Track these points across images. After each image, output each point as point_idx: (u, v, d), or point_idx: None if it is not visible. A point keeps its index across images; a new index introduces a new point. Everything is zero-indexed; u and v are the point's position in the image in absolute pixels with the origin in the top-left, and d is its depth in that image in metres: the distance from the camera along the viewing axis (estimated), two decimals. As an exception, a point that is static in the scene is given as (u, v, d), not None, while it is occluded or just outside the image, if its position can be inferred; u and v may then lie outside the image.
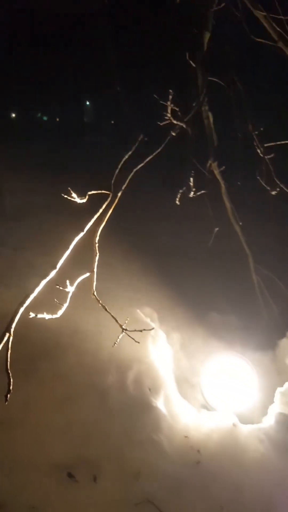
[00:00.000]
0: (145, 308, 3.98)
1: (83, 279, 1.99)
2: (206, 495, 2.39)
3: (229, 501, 2.37)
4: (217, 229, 3.55)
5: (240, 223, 3.74)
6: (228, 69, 3.10)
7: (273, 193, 2.76)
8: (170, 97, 1.96)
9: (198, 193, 2.38)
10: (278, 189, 2.73)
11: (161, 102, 2.01)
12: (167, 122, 2.12)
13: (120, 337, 1.88)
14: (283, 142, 2.55)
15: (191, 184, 2.26)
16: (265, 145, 2.76)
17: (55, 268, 1.62)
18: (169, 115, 2.06)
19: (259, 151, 2.76)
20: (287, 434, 2.63)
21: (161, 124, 2.12)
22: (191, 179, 2.23)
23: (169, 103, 1.98)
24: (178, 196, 2.21)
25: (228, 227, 3.97)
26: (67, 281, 1.69)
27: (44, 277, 1.58)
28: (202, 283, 5.29)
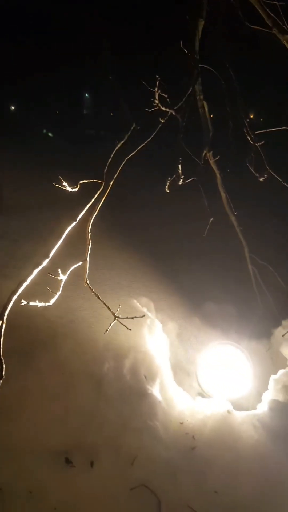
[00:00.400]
0: (142, 298, 4.01)
1: (81, 268, 2.01)
2: (201, 480, 2.43)
3: (223, 486, 2.41)
4: (212, 219, 3.55)
5: (235, 213, 3.75)
6: (222, 57, 3.08)
7: (261, 179, 2.76)
8: (157, 82, 1.95)
9: (188, 181, 2.38)
10: (265, 175, 2.73)
11: (149, 88, 2.00)
12: (155, 108, 2.11)
13: (111, 325, 1.90)
14: (273, 129, 2.55)
15: (180, 171, 2.26)
16: (256, 132, 2.75)
17: (48, 257, 1.63)
18: (157, 101, 2.05)
19: (249, 138, 2.75)
20: (281, 421, 2.66)
21: (149, 110, 2.11)
22: (180, 166, 2.23)
23: (156, 89, 1.97)
24: (167, 183, 2.21)
25: (224, 217, 3.98)
26: (59, 270, 1.70)
27: (38, 266, 1.59)
28: (199, 273, 5.32)
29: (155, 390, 2.91)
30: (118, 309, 1.93)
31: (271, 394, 2.93)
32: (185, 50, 2.88)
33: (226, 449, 2.58)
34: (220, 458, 2.54)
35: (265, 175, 2.74)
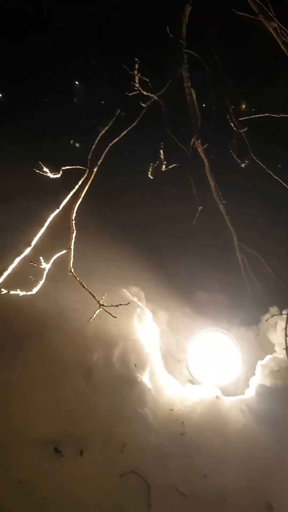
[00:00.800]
0: (132, 287, 4.01)
1: (72, 260, 2.00)
2: (190, 464, 2.46)
3: (212, 470, 2.44)
4: (200, 208, 3.55)
5: (224, 202, 3.75)
6: (208, 43, 3.06)
7: (243, 165, 2.76)
8: (137, 65, 1.92)
9: (171, 166, 2.37)
10: (246, 161, 2.73)
11: (130, 72, 1.98)
12: (136, 92, 2.09)
13: (96, 313, 1.89)
14: (257, 116, 2.53)
15: (162, 157, 2.25)
16: (240, 119, 2.74)
17: (29, 245, 1.62)
18: (137, 85, 2.03)
19: (232, 124, 2.74)
20: (268, 405, 2.69)
21: (129, 94, 2.08)
22: (161, 151, 2.21)
23: (136, 72, 1.95)
24: (150, 170, 2.19)
25: (214, 205, 3.98)
26: (41, 258, 1.69)
27: (19, 255, 1.58)
28: (189, 262, 5.34)
29: (144, 378, 2.92)
30: (103, 297, 1.93)
31: (258, 379, 2.96)
32: (171, 35, 2.86)
33: (214, 434, 2.60)
34: (209, 443, 2.57)
35: (246, 161, 2.73)
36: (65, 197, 2.01)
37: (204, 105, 3.28)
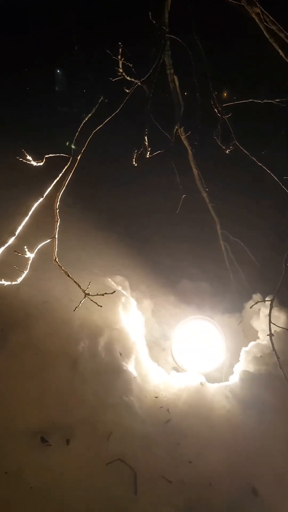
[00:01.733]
0: (116, 276, 4.00)
1: (53, 249, 1.97)
2: (175, 451, 2.49)
3: (197, 456, 2.48)
4: (184, 196, 3.54)
5: (207, 189, 3.75)
6: (190, 28, 3.02)
7: (227, 151, 2.76)
8: (120, 50, 1.89)
9: (155, 154, 2.35)
10: (231, 147, 2.73)
11: (113, 57, 1.94)
12: (119, 78, 2.06)
13: (82, 301, 1.88)
14: (240, 101, 2.53)
15: (146, 143, 2.23)
16: (224, 104, 2.74)
17: (14, 235, 1.59)
18: (121, 70, 1.99)
19: (216, 110, 2.73)
20: (251, 390, 2.74)
21: (113, 79, 2.05)
22: (146, 138, 2.19)
23: (119, 57, 1.92)
24: (134, 157, 2.17)
25: (198, 194, 3.98)
26: (25, 248, 1.66)
27: (3, 244, 1.55)
28: (174, 251, 5.35)
29: (130, 366, 2.93)
30: (89, 287, 1.92)
31: (242, 365, 3.01)
32: (153, 22, 2.81)
33: (199, 420, 2.64)
34: (194, 429, 2.60)
35: (231, 147, 2.74)
36: (47, 185, 1.98)
37: (186, 93, 3.25)
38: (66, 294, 3.29)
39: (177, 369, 3.42)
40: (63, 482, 2.24)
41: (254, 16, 2.71)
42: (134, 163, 2.16)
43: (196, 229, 5.53)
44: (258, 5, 2.64)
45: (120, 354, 3.00)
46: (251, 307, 2.99)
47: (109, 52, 1.97)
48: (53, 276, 3.43)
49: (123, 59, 1.93)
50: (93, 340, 2.99)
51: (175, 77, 3.33)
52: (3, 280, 1.58)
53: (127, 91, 2.07)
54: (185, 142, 3.42)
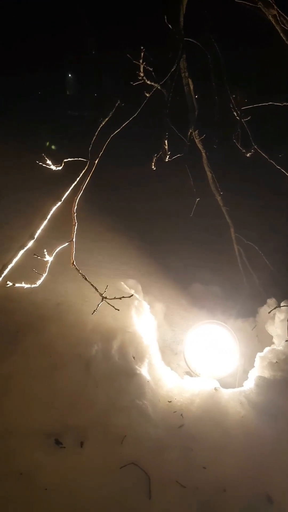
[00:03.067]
0: (129, 280, 4.01)
1: (67, 252, 1.98)
2: (189, 456, 2.47)
3: (211, 461, 2.45)
4: (198, 199, 3.54)
5: (221, 193, 3.74)
6: (206, 31, 3.02)
7: (248, 155, 2.75)
8: (142, 54, 1.89)
9: (174, 157, 2.35)
10: (252, 150, 2.72)
11: (134, 61, 1.94)
12: (140, 82, 2.06)
13: (99, 305, 1.88)
14: (259, 104, 2.52)
15: (166, 147, 2.22)
16: (242, 108, 2.72)
17: (33, 238, 1.60)
18: (142, 74, 2.00)
19: (235, 114, 2.72)
20: (267, 396, 2.71)
21: (134, 84, 2.05)
22: (166, 141, 2.19)
23: (141, 61, 1.92)
24: (153, 160, 2.17)
25: (212, 197, 3.98)
26: (45, 251, 1.67)
27: (23, 248, 1.56)
28: (186, 255, 5.34)
29: (143, 370, 2.93)
30: (106, 290, 1.92)
31: (257, 371, 2.98)
32: (170, 26, 2.81)
33: (213, 426, 2.62)
34: (208, 435, 2.58)
35: (252, 151, 2.72)
36: (62, 189, 1.99)
37: (202, 96, 3.25)
38: (79, 297, 3.31)
39: (190, 373, 3.40)
40: (77, 485, 2.24)
41: (270, 18, 2.70)
42: (153, 167, 2.16)
43: (207, 233, 5.52)
44: (275, 7, 2.63)
45: (133, 357, 2.99)
46: (269, 312, 2.96)
47: (129, 57, 1.97)
48: (66, 279, 3.45)
49: (144, 63, 1.93)
50: (106, 343, 3.00)
51: (190, 81, 3.33)
52: (23, 283, 1.59)
53: (147, 94, 2.07)
54: (200, 146, 3.42)
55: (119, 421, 2.57)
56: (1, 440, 2.40)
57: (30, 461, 2.32)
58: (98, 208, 5.63)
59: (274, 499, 2.26)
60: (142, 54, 1.92)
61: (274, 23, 2.67)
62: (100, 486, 2.26)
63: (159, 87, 2.17)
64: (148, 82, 2.07)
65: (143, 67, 1.99)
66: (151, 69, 2.07)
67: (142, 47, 1.87)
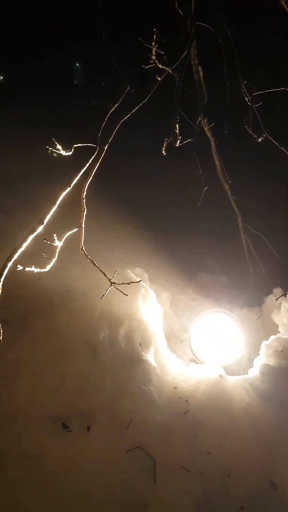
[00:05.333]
0: (136, 268, 4.02)
1: (75, 239, 1.99)
2: (194, 441, 2.50)
3: (215, 447, 2.48)
4: (206, 188, 3.52)
5: (229, 181, 3.72)
6: (218, 16, 2.98)
7: (259, 140, 2.72)
8: (154, 37, 1.87)
9: (184, 142, 2.33)
10: (264, 135, 2.69)
11: (145, 45, 1.92)
12: (151, 65, 2.04)
13: (108, 290, 1.90)
14: (271, 90, 2.49)
15: (177, 131, 2.21)
16: (254, 93, 2.70)
17: (42, 223, 1.61)
18: (154, 57, 1.98)
19: (247, 99, 2.69)
20: (271, 384, 2.73)
21: (145, 67, 2.04)
22: (177, 126, 2.17)
23: (153, 44, 1.90)
24: (164, 146, 2.16)
25: (219, 187, 3.96)
26: (54, 236, 1.68)
27: (32, 233, 1.57)
28: (193, 244, 5.34)
29: (149, 357, 2.95)
30: (114, 276, 1.93)
31: (262, 359, 3.00)
32: (180, 11, 2.78)
33: (218, 412, 2.64)
34: (213, 421, 2.61)
35: (263, 136, 2.70)
36: (71, 175, 1.99)
37: (212, 83, 3.22)
38: (87, 284, 3.33)
39: (195, 361, 3.43)
40: (83, 468, 2.28)
41: (283, 3, 2.66)
42: (163, 152, 2.15)
43: (214, 222, 5.51)
44: (288, -8, 2.58)
45: (140, 344, 3.02)
46: (276, 299, 2.96)
47: (141, 40, 1.95)
48: (74, 266, 3.46)
49: (156, 46, 1.91)
50: (113, 330, 3.02)
51: (200, 68, 3.30)
52: (33, 267, 1.61)
53: (159, 78, 2.06)
54: (209, 134, 3.39)
55: (125, 406, 2.60)
56: (10, 424, 2.44)
57: (38, 445, 2.36)
58: (105, 197, 5.62)
59: (278, 484, 2.28)
60: (155, 36, 1.90)
61: (286, 7, 2.63)
62: (106, 469, 2.30)
63: (170, 71, 2.15)
64: (160, 66, 2.05)
65: (155, 50, 1.96)
66: (162, 53, 2.04)
67: (154, 29, 1.85)
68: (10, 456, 2.31)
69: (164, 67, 2.10)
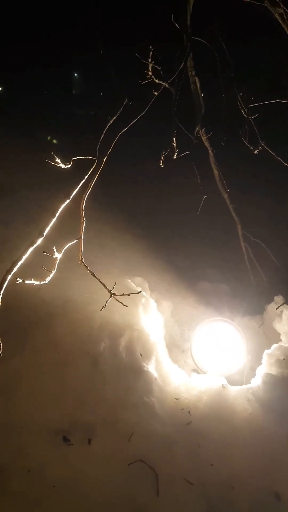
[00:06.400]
0: (136, 277, 4.01)
1: (74, 250, 1.99)
2: (197, 453, 2.48)
3: (218, 458, 2.46)
4: (205, 197, 3.54)
5: (228, 190, 3.73)
6: (213, 30, 3.01)
7: (255, 152, 2.74)
8: (150, 53, 1.89)
9: (182, 155, 2.35)
10: (260, 147, 2.71)
11: (142, 60, 1.94)
12: (148, 80, 2.06)
13: (108, 301, 1.89)
14: (267, 102, 2.51)
15: (174, 145, 2.23)
16: (249, 105, 2.72)
17: (42, 235, 1.61)
18: (150, 73, 2.00)
19: (242, 111, 2.72)
20: (274, 393, 2.71)
21: (142, 82, 2.06)
22: (174, 139, 2.19)
23: (149, 60, 1.92)
24: (162, 158, 2.17)
25: (218, 195, 3.97)
26: (54, 248, 1.68)
27: (32, 245, 1.57)
28: (193, 252, 5.34)
29: (150, 367, 2.94)
30: (114, 287, 1.93)
31: (264, 368, 2.98)
32: (177, 25, 2.81)
33: (221, 423, 2.62)
34: (215, 432, 2.58)
35: (259, 148, 2.72)
36: (70, 187, 2.00)
37: (209, 94, 3.25)
38: (87, 294, 3.32)
39: (197, 371, 3.41)
40: (85, 482, 2.26)
41: (277, 16, 2.69)
42: (161, 164, 2.16)
43: (214, 231, 5.51)
44: (282, 6, 2.62)
45: (141, 354, 3.00)
46: (277, 308, 2.95)
47: (138, 56, 1.97)
48: (73, 277, 3.46)
49: (152, 62, 1.93)
50: (114, 340, 3.01)
51: (197, 79, 3.33)
52: (32, 279, 1.61)
53: (155, 93, 2.08)
54: (206, 143, 3.41)
55: (127, 418, 2.58)
56: (10, 437, 2.42)
57: (39, 458, 2.34)
58: (105, 206, 5.63)
59: (282, 496, 2.26)
60: (151, 53, 1.92)
61: (280, 21, 2.66)
62: (108, 483, 2.27)
63: (167, 86, 2.17)
64: (156, 80, 2.07)
65: (151, 66, 1.99)
66: (159, 68, 2.07)
67: (151, 47, 1.88)
68: (11, 470, 2.28)
69: (160, 82, 2.12)
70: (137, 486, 2.28)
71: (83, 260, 1.90)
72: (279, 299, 3.74)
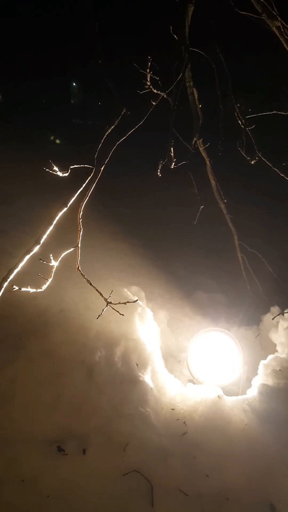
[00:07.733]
0: (132, 286, 4.01)
1: (71, 259, 2.00)
2: (192, 464, 2.46)
3: (214, 470, 2.44)
4: (202, 207, 3.56)
5: (225, 201, 3.76)
6: (211, 42, 3.06)
7: (252, 162, 2.77)
8: (149, 63, 1.92)
9: (179, 164, 2.37)
10: (257, 158, 2.74)
11: (141, 70, 1.97)
12: (147, 91, 2.09)
13: (104, 310, 1.89)
14: (264, 113, 2.54)
15: (172, 154, 2.25)
16: (247, 116, 2.75)
17: (38, 243, 1.61)
18: (148, 83, 2.02)
19: (240, 122, 2.75)
20: (270, 404, 2.70)
21: (140, 92, 2.08)
22: (172, 149, 2.21)
23: (148, 70, 1.95)
24: (159, 168, 2.19)
25: (215, 205, 3.99)
26: (51, 256, 1.68)
27: (28, 253, 1.57)
28: (189, 262, 5.35)
29: (146, 377, 2.92)
30: (110, 295, 1.93)
31: (260, 378, 2.97)
32: (175, 36, 2.85)
33: (216, 434, 2.60)
34: (211, 443, 2.56)
35: (256, 158, 2.75)
36: (68, 195, 2.01)
37: (206, 105, 3.29)
38: (83, 303, 3.32)
39: (193, 381, 3.39)
40: (79, 492, 2.24)
41: (274, 29, 2.73)
42: (158, 174, 2.18)
43: (210, 241, 5.53)
44: (279, 19, 2.66)
45: (137, 364, 2.99)
46: (273, 319, 2.96)
47: (136, 66, 2.00)
48: (69, 285, 3.46)
49: (151, 72, 1.96)
50: (110, 350, 3.00)
51: (195, 90, 3.37)
52: (28, 287, 1.60)
53: (153, 103, 2.10)
54: (204, 154, 3.44)
55: (122, 428, 2.56)
56: (4, 447, 2.40)
57: (32, 468, 2.32)
58: (102, 216, 5.66)
59: (277, 507, 2.24)
60: (149, 63, 1.94)
61: (278, 34, 2.70)
62: (103, 494, 2.25)
63: (165, 96, 2.19)
64: (155, 91, 2.10)
65: (150, 76, 2.01)
66: (157, 78, 2.09)
67: (149, 57, 1.90)
68: (4, 480, 2.26)
69: (158, 92, 2.14)
70: (132, 496, 2.26)
71: (79, 268, 1.90)
72: (275, 309, 3.74)
